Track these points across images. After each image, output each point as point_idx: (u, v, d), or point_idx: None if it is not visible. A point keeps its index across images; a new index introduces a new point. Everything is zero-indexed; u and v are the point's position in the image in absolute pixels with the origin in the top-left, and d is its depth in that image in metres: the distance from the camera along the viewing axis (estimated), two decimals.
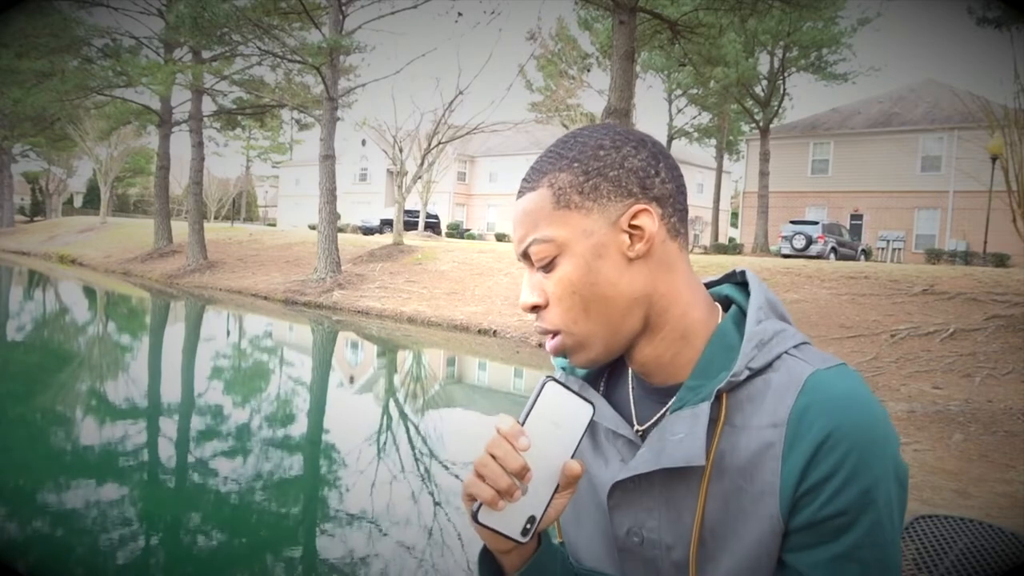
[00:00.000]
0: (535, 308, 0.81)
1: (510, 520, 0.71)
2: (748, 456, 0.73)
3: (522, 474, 0.70)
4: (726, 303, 0.86)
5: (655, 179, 0.79)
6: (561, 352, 0.80)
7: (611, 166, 0.78)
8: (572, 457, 0.73)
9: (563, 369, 0.91)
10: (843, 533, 0.69)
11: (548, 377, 0.75)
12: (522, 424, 0.72)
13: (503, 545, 0.75)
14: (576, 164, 0.78)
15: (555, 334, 0.80)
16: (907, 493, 0.73)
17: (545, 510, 0.73)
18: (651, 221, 0.77)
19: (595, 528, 0.84)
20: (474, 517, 0.71)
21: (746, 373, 0.75)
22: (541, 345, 12.05)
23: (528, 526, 0.72)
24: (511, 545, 0.74)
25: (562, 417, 0.73)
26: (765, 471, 0.72)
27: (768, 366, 0.76)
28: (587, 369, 0.83)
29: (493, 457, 0.70)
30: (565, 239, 0.77)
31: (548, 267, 0.79)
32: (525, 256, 0.81)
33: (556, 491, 0.73)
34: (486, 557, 0.80)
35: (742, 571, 0.73)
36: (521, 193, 0.82)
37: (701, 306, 0.81)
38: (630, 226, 0.77)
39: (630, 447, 0.81)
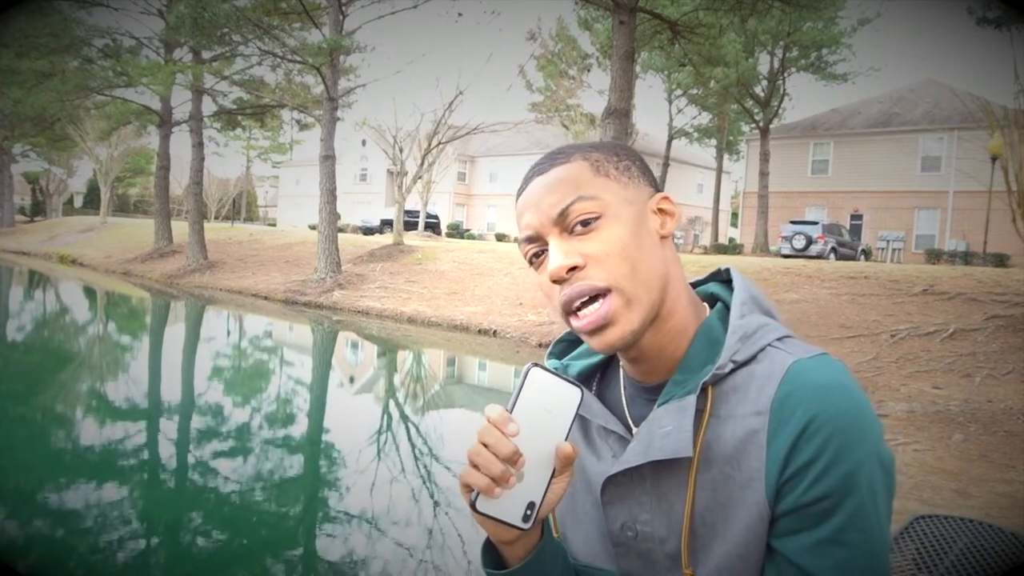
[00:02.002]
0: (572, 270, 0.77)
1: (509, 507, 0.72)
2: (734, 444, 0.74)
3: (514, 460, 0.70)
4: (712, 301, 0.87)
5: (659, 186, 0.86)
6: (610, 318, 0.76)
7: (636, 158, 0.84)
8: (566, 440, 0.73)
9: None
10: (827, 517, 0.70)
11: (532, 364, 0.75)
12: (510, 411, 0.72)
13: (505, 535, 0.75)
14: (605, 148, 0.83)
15: (603, 296, 0.76)
16: (894, 479, 0.74)
17: (544, 495, 0.73)
18: (674, 208, 0.83)
19: (591, 524, 0.85)
20: (472, 506, 0.71)
21: (730, 366, 0.76)
22: (542, 345, 12.05)
23: (528, 512, 0.72)
24: (513, 535, 0.75)
25: (551, 401, 0.74)
26: (751, 458, 0.73)
27: (752, 358, 0.77)
28: (614, 350, 0.80)
29: (485, 445, 0.71)
30: (611, 201, 0.79)
31: (588, 229, 0.77)
32: (561, 218, 0.78)
33: (553, 475, 0.74)
34: (489, 550, 0.80)
35: (733, 558, 0.74)
36: (543, 170, 0.81)
37: (694, 303, 0.85)
38: (658, 209, 0.82)
39: (621, 443, 0.82)
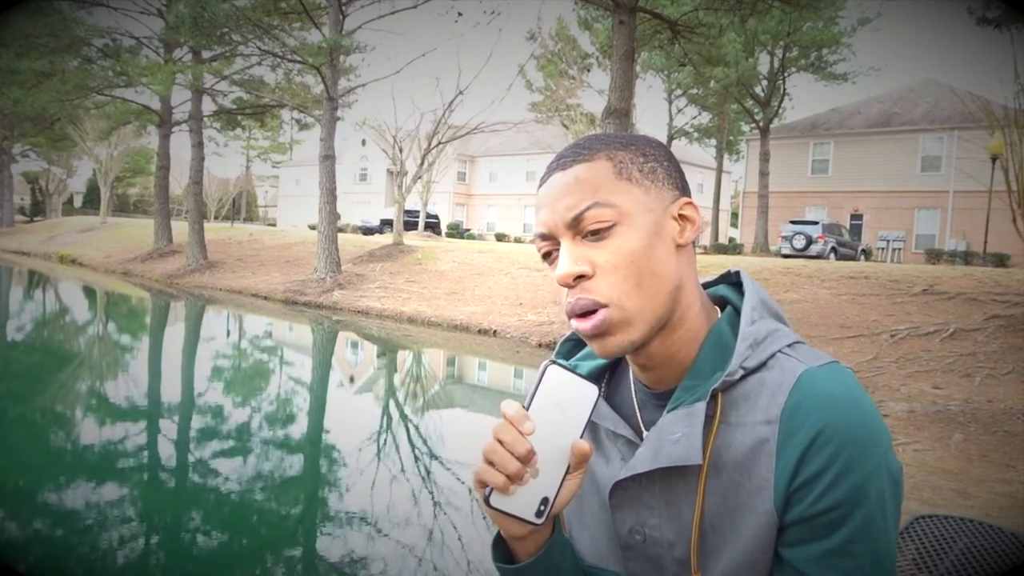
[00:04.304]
0: (579, 278, 0.76)
1: (523, 503, 0.72)
2: (744, 452, 0.74)
3: (528, 458, 0.71)
4: (722, 304, 0.87)
5: (687, 186, 0.83)
6: (603, 330, 0.76)
7: (664, 158, 0.82)
8: (581, 437, 0.74)
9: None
10: (836, 528, 0.70)
11: (550, 360, 0.75)
12: (527, 408, 0.73)
13: (518, 530, 0.76)
14: (633, 146, 0.81)
15: (601, 308, 0.76)
16: (901, 488, 0.74)
17: (558, 492, 0.74)
18: (697, 215, 0.81)
19: (599, 526, 0.86)
20: (486, 502, 0.72)
21: (740, 372, 0.76)
22: (541, 345, 12.05)
23: (542, 508, 0.73)
24: (525, 530, 0.76)
25: (567, 399, 0.74)
26: (760, 467, 0.73)
27: (762, 365, 0.76)
28: (613, 357, 0.80)
29: (500, 442, 0.71)
30: (628, 209, 0.77)
31: (601, 236, 0.76)
32: (575, 223, 0.76)
33: (568, 472, 0.74)
34: (499, 545, 0.81)
35: (740, 565, 0.74)
36: (565, 165, 0.79)
37: (707, 309, 0.83)
38: (679, 215, 0.80)
39: (630, 447, 0.82)
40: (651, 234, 0.77)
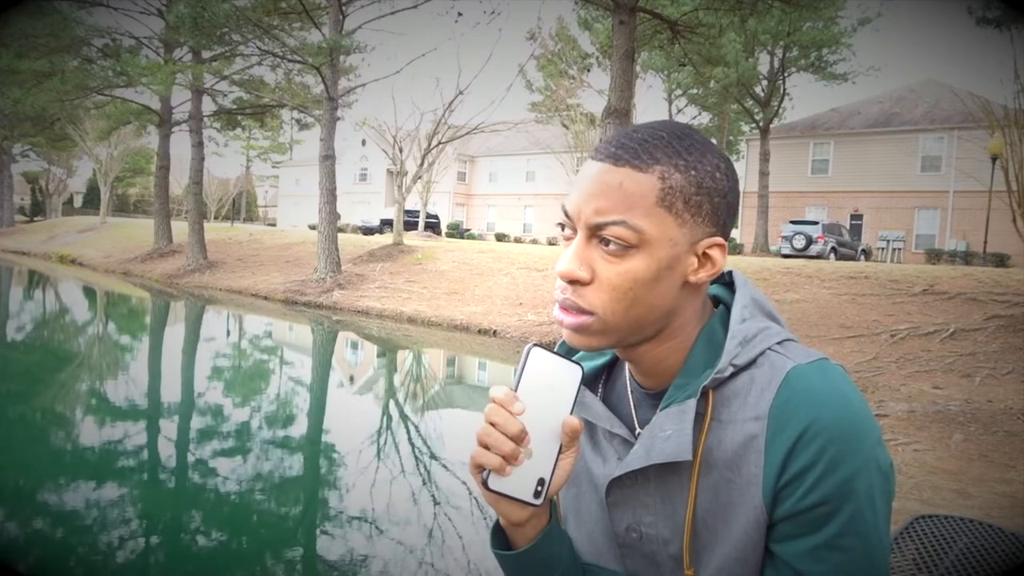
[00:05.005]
0: (575, 281, 0.76)
1: (520, 484, 0.74)
2: (734, 448, 0.75)
3: (521, 437, 0.72)
4: (715, 303, 0.88)
5: (733, 217, 0.81)
6: (581, 330, 0.77)
7: (718, 193, 0.77)
8: (571, 416, 0.75)
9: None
10: (825, 523, 0.70)
11: (532, 344, 0.77)
12: (514, 391, 0.74)
13: (517, 514, 0.77)
14: (693, 173, 0.76)
15: (585, 314, 0.76)
16: (892, 483, 0.74)
17: (553, 471, 0.75)
18: (722, 258, 0.79)
19: (596, 525, 0.87)
20: (485, 485, 0.73)
21: (730, 370, 0.76)
22: (541, 345, 12.05)
23: (539, 488, 0.74)
24: (525, 515, 0.77)
25: (553, 379, 0.75)
26: (750, 463, 0.74)
27: (752, 363, 0.77)
28: (584, 350, 0.82)
29: (493, 425, 0.72)
30: (653, 238, 0.75)
31: (615, 250, 0.75)
32: (597, 228, 0.75)
33: (561, 451, 0.75)
34: (497, 534, 0.82)
35: (732, 560, 0.75)
36: (619, 160, 0.75)
37: (705, 317, 0.84)
38: (703, 253, 0.78)
39: (626, 446, 0.83)
40: (664, 267, 0.76)
